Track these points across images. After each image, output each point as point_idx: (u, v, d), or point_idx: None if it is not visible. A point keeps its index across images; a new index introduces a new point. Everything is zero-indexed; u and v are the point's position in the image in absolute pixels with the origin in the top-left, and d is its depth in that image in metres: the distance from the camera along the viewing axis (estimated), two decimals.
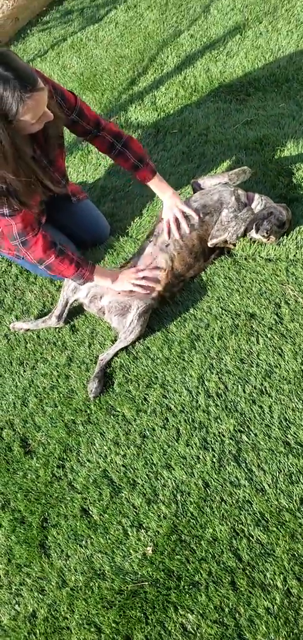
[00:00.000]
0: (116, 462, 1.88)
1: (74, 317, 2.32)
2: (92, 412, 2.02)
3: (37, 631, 1.60)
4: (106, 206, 2.74)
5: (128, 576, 1.64)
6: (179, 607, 1.56)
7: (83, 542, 1.74)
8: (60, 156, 2.19)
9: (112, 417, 1.99)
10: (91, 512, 1.79)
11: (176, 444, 1.87)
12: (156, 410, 1.97)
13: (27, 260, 2.32)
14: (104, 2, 4.54)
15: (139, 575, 1.64)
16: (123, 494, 1.80)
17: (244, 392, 1.94)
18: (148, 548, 1.68)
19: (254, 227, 2.25)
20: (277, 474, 1.73)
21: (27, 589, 1.68)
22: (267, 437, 1.81)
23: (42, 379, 2.16)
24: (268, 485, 1.71)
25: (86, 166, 3.02)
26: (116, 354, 2.14)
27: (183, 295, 2.28)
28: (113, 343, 2.19)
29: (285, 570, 1.56)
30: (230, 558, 1.61)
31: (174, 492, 1.77)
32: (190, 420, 1.91)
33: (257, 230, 2.24)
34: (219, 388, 1.97)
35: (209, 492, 1.74)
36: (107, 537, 1.73)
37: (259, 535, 1.63)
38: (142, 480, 1.82)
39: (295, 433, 1.80)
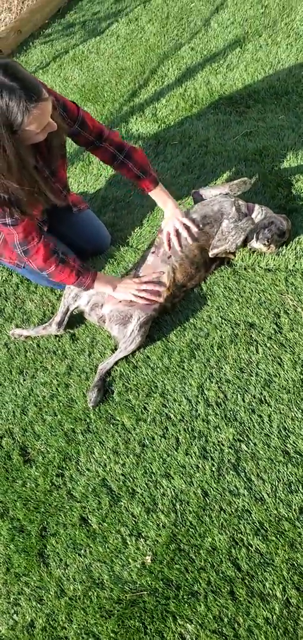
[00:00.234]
0: (115, 471, 1.87)
1: (74, 325, 2.33)
2: (92, 421, 2.02)
3: None
4: (106, 216, 2.76)
5: (127, 585, 1.64)
6: (178, 617, 1.55)
7: (82, 551, 1.73)
8: (62, 167, 2.21)
9: (111, 426, 1.99)
10: (90, 521, 1.79)
11: (176, 453, 1.87)
12: (155, 419, 1.97)
13: (29, 268, 2.34)
14: (105, 15, 4.59)
15: (138, 585, 1.63)
16: (122, 503, 1.80)
17: (243, 401, 1.94)
18: (147, 557, 1.67)
19: (255, 235, 2.26)
20: (276, 483, 1.73)
21: (25, 598, 1.68)
22: (266, 446, 1.81)
23: (42, 388, 2.16)
24: (268, 494, 1.71)
25: (86, 177, 3.04)
26: (116, 363, 2.14)
27: (183, 304, 2.29)
28: (113, 352, 2.19)
29: (284, 580, 1.55)
30: (229, 567, 1.60)
31: (174, 501, 1.77)
32: (190, 429, 1.91)
33: (258, 239, 2.25)
34: (218, 397, 1.97)
35: (208, 501, 1.74)
36: (106, 546, 1.72)
37: (258, 545, 1.63)
38: (141, 489, 1.81)
39: (294, 442, 1.80)
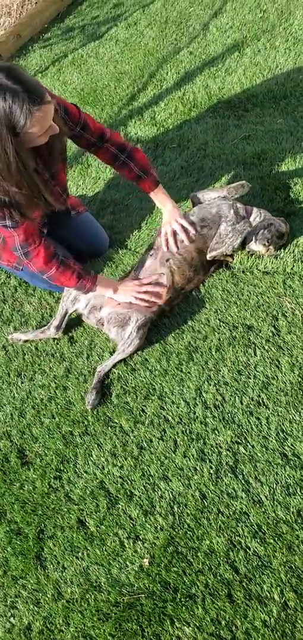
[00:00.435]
0: (113, 474, 1.87)
1: (72, 328, 2.33)
2: (90, 423, 2.02)
3: None
4: (105, 219, 2.76)
5: (124, 588, 1.63)
6: (175, 620, 1.55)
7: (79, 553, 1.73)
8: (62, 170, 2.21)
9: (109, 428, 1.99)
10: (87, 524, 1.78)
11: (174, 455, 1.87)
12: (153, 421, 1.97)
13: (29, 271, 2.34)
14: (104, 20, 4.61)
15: (135, 588, 1.63)
16: (120, 506, 1.79)
17: (241, 403, 1.94)
18: (145, 560, 1.67)
19: (254, 237, 2.27)
20: (274, 485, 1.73)
21: (22, 601, 1.67)
22: (264, 449, 1.81)
23: (40, 391, 2.16)
24: (265, 497, 1.71)
25: (85, 179, 3.05)
26: (114, 366, 2.14)
27: (181, 307, 2.29)
28: (111, 355, 2.19)
29: (282, 583, 1.55)
30: (227, 570, 1.60)
31: (171, 503, 1.76)
32: (188, 431, 1.91)
33: (257, 239, 2.26)
34: (216, 399, 1.97)
35: (206, 503, 1.74)
36: (104, 548, 1.72)
37: (256, 547, 1.62)
38: (139, 492, 1.81)
39: (292, 445, 1.80)
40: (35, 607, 1.65)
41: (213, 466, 1.81)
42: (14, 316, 2.45)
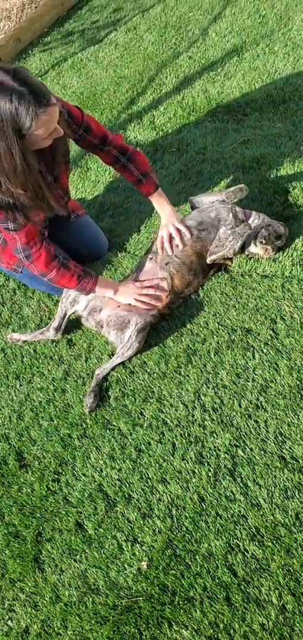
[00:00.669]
0: (111, 476, 1.87)
1: (71, 331, 2.33)
2: (88, 426, 2.02)
3: None
4: (104, 222, 2.77)
5: (123, 591, 1.63)
6: (173, 623, 1.54)
7: (77, 556, 1.72)
8: (64, 173, 2.22)
9: (108, 431, 1.99)
10: (85, 527, 1.78)
11: (172, 458, 1.87)
12: (152, 424, 1.97)
13: (28, 273, 2.35)
14: (104, 24, 4.62)
15: (133, 591, 1.63)
16: (118, 509, 1.79)
17: (240, 406, 1.94)
18: (143, 563, 1.67)
19: (253, 239, 2.28)
20: (273, 488, 1.73)
21: (20, 604, 1.67)
22: (262, 452, 1.81)
23: (38, 393, 2.16)
24: (264, 500, 1.71)
25: (84, 183, 3.05)
26: (112, 369, 2.14)
27: (180, 310, 2.29)
28: (110, 358, 2.19)
29: (280, 586, 1.55)
30: (225, 573, 1.60)
31: (170, 506, 1.76)
32: (186, 434, 1.91)
33: (256, 239, 2.27)
34: (215, 402, 1.97)
35: (204, 506, 1.74)
36: (102, 551, 1.72)
37: (254, 550, 1.62)
38: (137, 495, 1.81)
39: (290, 448, 1.80)
40: (33, 610, 1.65)
41: (211, 469, 1.81)
42: (13, 319, 2.45)
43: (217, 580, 1.59)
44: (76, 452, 1.96)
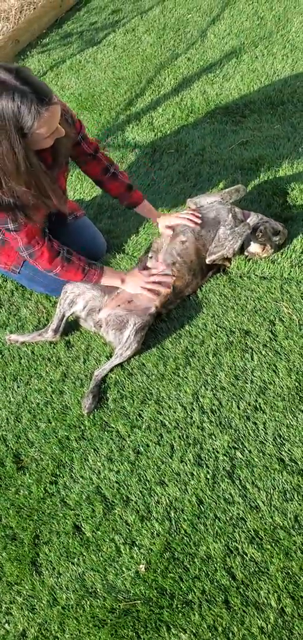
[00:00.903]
0: (109, 479, 1.86)
1: (69, 332, 2.32)
2: (86, 428, 2.01)
3: None
4: (102, 223, 2.76)
5: (120, 594, 1.62)
6: (172, 627, 1.53)
7: (75, 559, 1.71)
8: (62, 174, 2.23)
9: (106, 433, 1.98)
10: (83, 529, 1.77)
11: (170, 460, 1.86)
12: (150, 426, 1.96)
13: (25, 274, 2.35)
14: (103, 26, 4.62)
15: (131, 594, 1.61)
16: (116, 511, 1.78)
17: (238, 408, 1.93)
18: (141, 566, 1.66)
19: (251, 236, 2.28)
20: (271, 491, 1.72)
21: (17, 607, 1.66)
22: (261, 454, 1.80)
23: (36, 395, 2.15)
24: (263, 502, 1.70)
25: (83, 184, 3.04)
26: (111, 370, 2.13)
27: (178, 311, 2.28)
28: (108, 359, 2.18)
29: (279, 589, 1.54)
30: (224, 576, 1.59)
31: (168, 509, 1.75)
32: (184, 436, 1.90)
33: (253, 235, 2.26)
34: (213, 404, 1.96)
35: (203, 509, 1.73)
36: (100, 554, 1.71)
37: (253, 553, 1.61)
38: (135, 497, 1.80)
39: (289, 450, 1.80)
40: (31, 613, 1.64)
41: (210, 471, 1.80)
42: (11, 320, 2.44)
43: (216, 584, 1.58)
44: (74, 454, 1.95)
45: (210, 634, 1.50)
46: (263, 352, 2.06)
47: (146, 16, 4.54)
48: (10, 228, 2.02)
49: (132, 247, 2.61)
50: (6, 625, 1.63)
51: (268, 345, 2.09)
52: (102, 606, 1.61)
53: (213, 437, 1.88)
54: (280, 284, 2.27)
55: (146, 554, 1.67)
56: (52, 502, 1.84)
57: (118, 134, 3.36)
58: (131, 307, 2.18)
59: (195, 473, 1.81)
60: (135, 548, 1.69)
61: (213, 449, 1.85)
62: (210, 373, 2.05)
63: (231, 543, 1.64)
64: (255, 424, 1.88)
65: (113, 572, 1.66)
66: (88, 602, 1.62)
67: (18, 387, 2.19)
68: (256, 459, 1.80)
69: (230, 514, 1.70)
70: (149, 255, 2.32)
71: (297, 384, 1.95)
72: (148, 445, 1.91)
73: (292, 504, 1.68)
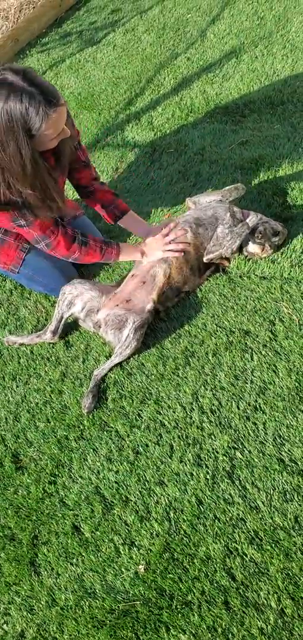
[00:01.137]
0: (108, 479, 1.85)
1: (68, 332, 2.31)
2: (86, 427, 2.00)
3: None
4: (102, 222, 2.74)
5: (120, 595, 1.61)
6: (171, 628, 1.53)
7: (74, 560, 1.70)
8: (62, 177, 2.22)
9: (105, 432, 1.97)
10: (82, 530, 1.76)
11: (170, 460, 1.85)
12: (149, 426, 1.95)
13: (24, 274, 2.35)
14: (102, 25, 4.61)
15: (130, 594, 1.61)
16: (115, 511, 1.77)
17: (238, 408, 1.92)
18: (140, 566, 1.65)
19: (250, 236, 2.28)
20: (271, 491, 1.71)
21: (15, 607, 1.65)
22: (261, 454, 1.80)
23: (35, 394, 2.14)
24: (262, 503, 1.69)
25: None
26: (111, 369, 2.13)
27: (177, 311, 2.28)
28: (108, 359, 2.17)
29: (279, 590, 1.53)
30: (224, 577, 1.58)
31: (167, 509, 1.74)
32: (184, 436, 1.90)
33: (252, 235, 2.26)
34: (213, 404, 1.95)
35: (202, 509, 1.72)
36: (99, 555, 1.70)
37: (253, 554, 1.60)
38: (135, 497, 1.79)
39: (289, 450, 1.79)
40: (29, 614, 1.63)
41: (209, 471, 1.79)
42: (10, 320, 2.43)
43: (215, 584, 1.57)
44: (73, 454, 1.94)
45: (210, 635, 1.49)
46: (263, 352, 2.06)
47: (145, 16, 4.54)
48: (23, 224, 2.05)
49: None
50: (4, 626, 1.62)
51: (268, 345, 2.08)
52: (101, 607, 1.60)
53: (212, 437, 1.87)
54: (280, 284, 2.26)
55: (145, 554, 1.67)
56: (51, 502, 1.84)
57: (118, 134, 3.36)
58: (130, 306, 2.17)
59: (194, 473, 1.80)
60: (134, 548, 1.68)
61: (213, 449, 1.84)
62: (210, 373, 2.04)
63: (231, 544, 1.64)
64: (255, 424, 1.87)
65: (112, 572, 1.66)
66: (87, 603, 1.61)
67: (17, 386, 2.19)
68: (256, 459, 1.79)
69: (230, 515, 1.69)
70: None
71: (297, 384, 1.94)
72: (147, 445, 1.90)
73: (292, 504, 1.68)
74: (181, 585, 1.59)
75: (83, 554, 1.71)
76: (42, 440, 2.00)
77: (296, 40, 3.68)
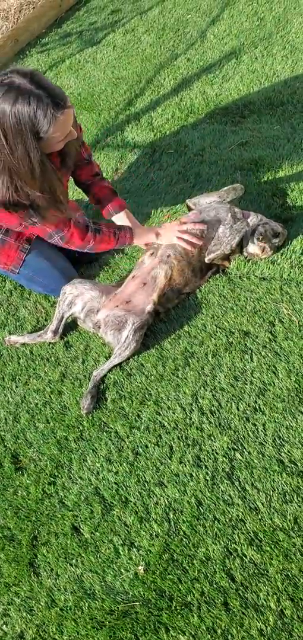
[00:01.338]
0: (108, 479, 1.85)
1: (68, 332, 2.31)
2: (85, 428, 2.00)
3: None
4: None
5: (119, 596, 1.61)
6: (170, 629, 1.53)
7: (73, 560, 1.70)
8: (66, 177, 2.23)
9: (105, 433, 1.97)
10: (82, 530, 1.76)
11: (169, 461, 1.85)
12: (149, 427, 1.95)
13: (23, 274, 2.35)
14: (102, 26, 4.61)
15: (130, 595, 1.61)
16: (115, 512, 1.77)
17: (238, 409, 1.92)
18: (140, 567, 1.65)
19: (250, 237, 2.27)
20: (271, 492, 1.71)
21: (15, 608, 1.65)
22: (260, 455, 1.80)
23: (34, 395, 2.14)
24: (262, 504, 1.69)
25: None
26: (110, 370, 2.13)
27: (177, 312, 2.28)
28: (107, 359, 2.17)
29: (279, 591, 1.53)
30: (223, 578, 1.58)
31: (167, 510, 1.74)
32: (183, 437, 1.90)
33: (253, 236, 2.26)
34: (213, 405, 1.96)
35: (202, 510, 1.72)
36: (98, 555, 1.70)
37: (252, 555, 1.60)
38: (134, 498, 1.79)
39: (289, 451, 1.79)
40: (28, 615, 1.63)
41: (209, 472, 1.79)
42: (9, 320, 2.43)
43: (215, 585, 1.57)
44: (73, 454, 1.94)
45: (209, 636, 1.49)
46: (263, 353, 2.06)
47: (145, 16, 4.54)
48: (35, 221, 2.05)
49: (131, 247, 2.60)
50: (4, 627, 1.62)
51: (267, 346, 2.08)
52: (100, 608, 1.60)
53: (212, 438, 1.87)
54: (279, 285, 2.26)
55: (144, 555, 1.67)
56: (51, 503, 1.84)
57: (117, 134, 3.36)
58: (129, 307, 2.17)
59: (194, 474, 1.80)
60: (134, 549, 1.68)
61: (213, 450, 1.84)
62: (209, 374, 2.04)
63: (231, 545, 1.64)
64: (255, 425, 1.87)
65: (112, 573, 1.65)
66: (86, 604, 1.61)
67: (16, 387, 2.18)
68: (255, 461, 1.79)
69: (229, 516, 1.69)
70: (151, 251, 2.31)
71: (296, 385, 1.94)
72: (146, 446, 1.90)
73: (291, 505, 1.68)
74: (180, 586, 1.59)
75: (83, 554, 1.71)
76: (41, 441, 2.00)
77: (296, 42, 3.68)
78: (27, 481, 1.90)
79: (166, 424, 1.95)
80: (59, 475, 1.90)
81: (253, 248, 2.31)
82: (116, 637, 1.53)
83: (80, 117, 3.62)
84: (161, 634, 1.52)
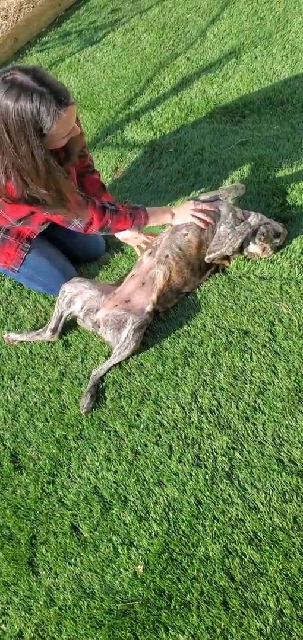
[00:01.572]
0: (107, 479, 1.85)
1: (67, 331, 2.31)
2: (84, 427, 2.00)
3: None
4: None
5: (118, 595, 1.61)
6: (170, 628, 1.52)
7: (72, 560, 1.70)
8: (73, 170, 2.22)
9: (104, 432, 1.97)
10: (81, 529, 1.76)
11: (169, 460, 1.84)
12: (148, 426, 1.95)
13: (23, 273, 2.34)
14: (102, 25, 4.61)
15: (129, 595, 1.60)
16: (114, 511, 1.77)
17: (237, 408, 1.92)
18: (139, 567, 1.64)
19: (251, 239, 2.27)
20: (270, 492, 1.71)
21: (14, 607, 1.64)
22: (260, 455, 1.80)
23: (33, 394, 2.14)
24: (261, 503, 1.69)
25: None
26: (109, 369, 2.12)
27: (177, 311, 2.27)
28: (106, 358, 2.17)
29: (278, 590, 1.53)
30: (222, 577, 1.58)
31: (166, 509, 1.74)
32: (183, 436, 1.89)
33: (254, 236, 2.25)
34: (212, 405, 1.95)
35: (201, 509, 1.72)
36: (97, 555, 1.69)
37: (252, 555, 1.60)
38: (133, 497, 1.79)
39: (288, 451, 1.79)
40: (27, 614, 1.62)
41: (208, 472, 1.79)
42: (8, 319, 2.43)
43: (214, 585, 1.57)
44: (72, 453, 1.94)
45: (208, 636, 1.49)
46: (263, 353, 2.06)
47: (145, 15, 4.53)
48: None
49: (131, 246, 2.60)
50: (3, 626, 1.62)
51: (267, 345, 2.08)
52: (99, 607, 1.60)
53: (211, 437, 1.87)
54: (279, 285, 2.26)
55: (144, 554, 1.66)
56: (50, 502, 1.83)
57: (117, 133, 3.35)
58: (129, 306, 2.17)
59: (193, 473, 1.80)
60: (133, 549, 1.68)
61: (212, 449, 1.84)
62: (209, 373, 2.04)
63: (230, 544, 1.63)
64: (254, 424, 1.87)
65: (111, 572, 1.65)
66: (85, 603, 1.61)
67: (16, 386, 2.18)
68: (255, 460, 1.79)
69: (229, 515, 1.69)
70: (149, 251, 2.31)
71: (296, 384, 1.94)
72: (146, 445, 1.90)
73: (291, 505, 1.67)
74: (179, 586, 1.59)
75: (82, 553, 1.70)
76: (40, 440, 1.99)
77: (296, 41, 3.68)
78: (26, 480, 1.90)
79: (165, 423, 1.94)
80: (58, 474, 1.89)
81: (253, 248, 2.31)
82: (115, 637, 1.53)
83: (80, 116, 3.60)
84: (160, 634, 1.51)
